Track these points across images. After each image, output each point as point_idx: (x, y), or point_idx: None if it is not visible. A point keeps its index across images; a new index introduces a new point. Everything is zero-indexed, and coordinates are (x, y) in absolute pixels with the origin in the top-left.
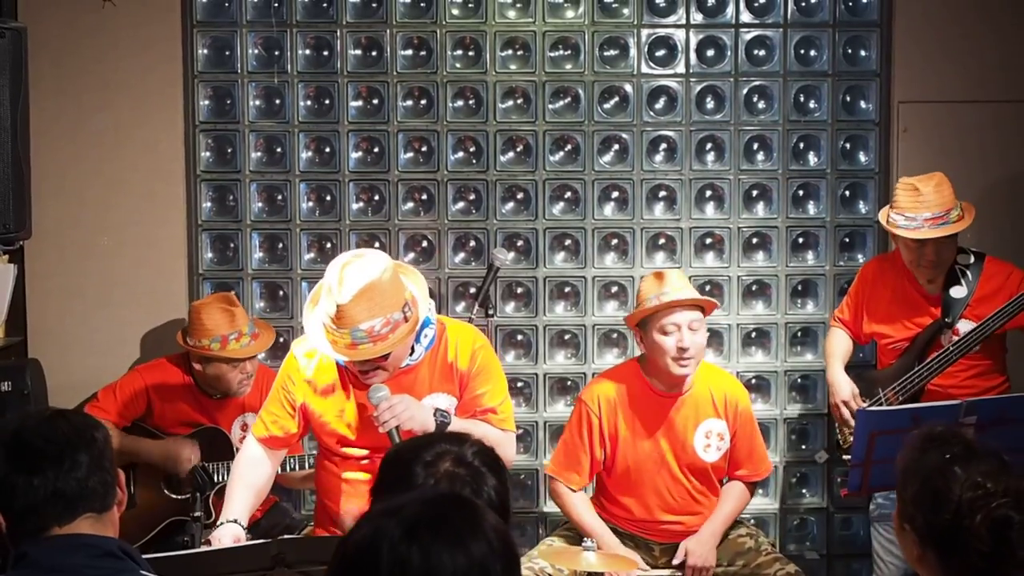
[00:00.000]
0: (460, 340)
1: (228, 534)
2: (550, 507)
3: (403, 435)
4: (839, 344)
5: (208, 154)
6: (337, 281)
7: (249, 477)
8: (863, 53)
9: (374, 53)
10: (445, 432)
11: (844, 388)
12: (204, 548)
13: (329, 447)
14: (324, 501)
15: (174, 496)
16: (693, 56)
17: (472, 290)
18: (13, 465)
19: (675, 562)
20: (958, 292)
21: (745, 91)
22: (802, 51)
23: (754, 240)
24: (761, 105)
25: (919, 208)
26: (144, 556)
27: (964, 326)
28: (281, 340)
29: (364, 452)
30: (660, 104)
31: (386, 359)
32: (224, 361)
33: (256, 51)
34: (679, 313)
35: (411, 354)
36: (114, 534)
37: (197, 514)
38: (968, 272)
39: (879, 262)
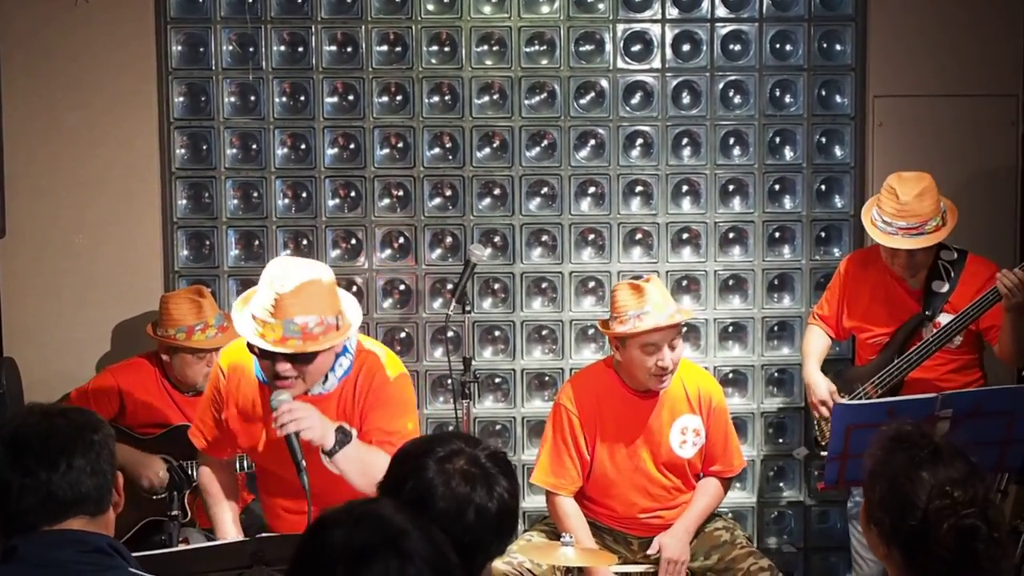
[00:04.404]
0: (368, 371)
1: None
2: (529, 503)
3: (302, 444)
4: (816, 343)
5: (183, 151)
6: (281, 273)
7: (219, 495)
8: (838, 47)
9: (349, 49)
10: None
11: (821, 387)
12: (183, 547)
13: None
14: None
15: (150, 496)
16: (669, 51)
17: (449, 286)
18: (8, 464)
19: (650, 552)
20: (940, 287)
21: (721, 86)
22: (777, 45)
23: (730, 235)
24: (737, 100)
25: (896, 216)
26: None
27: (944, 319)
28: None
29: (274, 471)
30: (636, 99)
31: (308, 365)
32: (189, 352)
33: (231, 47)
34: (660, 334)
35: (324, 382)
36: (108, 534)
37: (174, 513)
38: (951, 268)
39: (860, 256)
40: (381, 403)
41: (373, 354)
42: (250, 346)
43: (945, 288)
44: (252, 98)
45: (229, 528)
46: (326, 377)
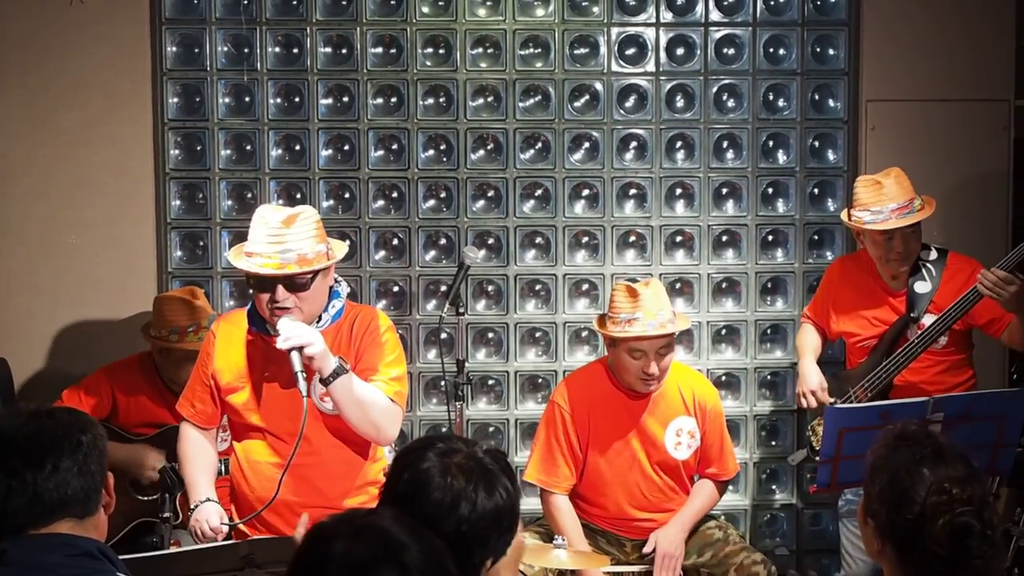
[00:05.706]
0: (364, 317)
1: (214, 512)
2: (523, 504)
3: (305, 362)
4: (809, 338)
5: (177, 152)
6: (270, 212)
7: (198, 459)
8: (831, 52)
9: (344, 51)
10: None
11: (812, 378)
12: (175, 549)
13: (235, 422)
14: (237, 489)
15: (140, 498)
16: (663, 54)
17: (443, 288)
18: None
19: (645, 550)
20: (922, 287)
21: (714, 89)
22: (771, 50)
23: (724, 238)
24: (730, 103)
25: (884, 200)
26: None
27: (929, 320)
28: None
29: (265, 427)
30: (630, 102)
31: (304, 292)
32: (182, 353)
33: (225, 48)
34: (647, 342)
35: (317, 322)
36: (98, 537)
37: (166, 515)
38: (931, 267)
39: (843, 262)
40: (378, 344)
41: (367, 306)
42: (248, 281)
43: (928, 288)
44: (246, 99)
45: (203, 489)
46: (320, 318)
